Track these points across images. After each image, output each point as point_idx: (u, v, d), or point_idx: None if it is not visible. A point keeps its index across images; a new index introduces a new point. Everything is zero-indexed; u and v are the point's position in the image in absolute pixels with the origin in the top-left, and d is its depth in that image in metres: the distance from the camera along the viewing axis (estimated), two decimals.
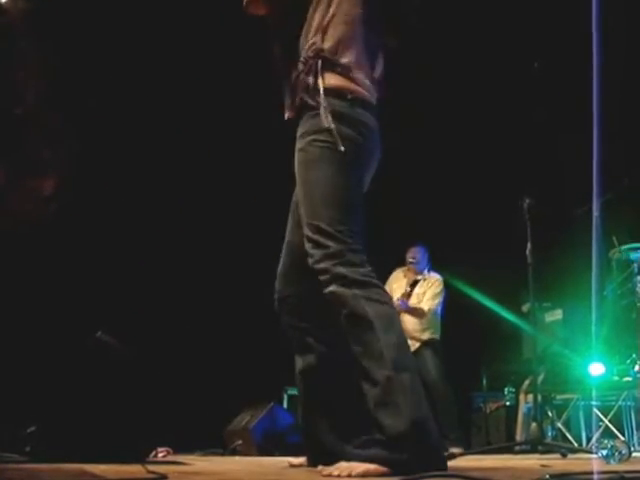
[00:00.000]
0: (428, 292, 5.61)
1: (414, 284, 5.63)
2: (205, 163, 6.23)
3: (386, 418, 1.89)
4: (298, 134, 2.28)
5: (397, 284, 5.82)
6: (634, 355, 4.79)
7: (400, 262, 5.89)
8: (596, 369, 4.90)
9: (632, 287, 4.91)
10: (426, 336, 5.52)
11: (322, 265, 2.09)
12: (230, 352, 6.12)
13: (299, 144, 2.25)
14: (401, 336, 2.05)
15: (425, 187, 6.65)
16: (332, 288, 2.07)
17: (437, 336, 5.55)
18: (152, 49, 5.67)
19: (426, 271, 5.70)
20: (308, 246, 2.13)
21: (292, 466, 2.46)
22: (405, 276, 5.81)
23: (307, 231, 2.15)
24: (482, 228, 6.37)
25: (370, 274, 2.09)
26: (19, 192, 1.98)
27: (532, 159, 5.58)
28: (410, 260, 5.75)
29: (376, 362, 1.96)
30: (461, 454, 3.46)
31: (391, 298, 2.13)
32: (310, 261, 2.12)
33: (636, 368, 4.71)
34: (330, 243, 2.08)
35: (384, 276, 5.99)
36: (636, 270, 4.88)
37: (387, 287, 5.89)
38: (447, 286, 5.73)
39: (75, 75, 4.43)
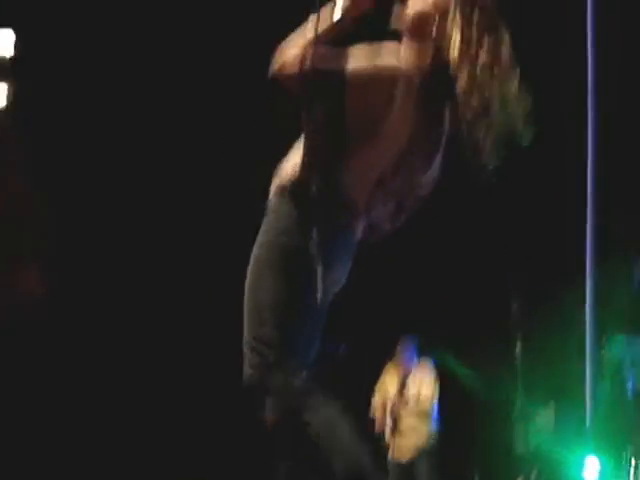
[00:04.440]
0: (422, 392, 5.58)
1: (404, 385, 5.64)
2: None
3: None
4: None
5: (389, 378, 5.82)
6: (628, 452, 4.72)
7: (391, 353, 5.89)
8: (591, 467, 4.79)
9: (623, 381, 4.92)
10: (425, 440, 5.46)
11: (257, 372, 1.93)
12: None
13: None
14: (345, 438, 1.90)
15: (412, 277, 6.72)
16: (268, 401, 1.92)
17: (434, 441, 5.50)
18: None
19: (415, 363, 5.69)
20: (245, 346, 1.97)
21: None
22: (396, 371, 5.81)
23: (245, 331, 1.99)
24: (472, 325, 6.41)
25: (308, 378, 1.94)
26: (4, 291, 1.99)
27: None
28: (398, 357, 5.78)
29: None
30: None
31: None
32: (246, 363, 1.96)
33: (633, 463, 4.63)
34: (267, 351, 1.92)
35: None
36: (628, 364, 4.91)
37: (381, 384, 5.87)
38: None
39: None
